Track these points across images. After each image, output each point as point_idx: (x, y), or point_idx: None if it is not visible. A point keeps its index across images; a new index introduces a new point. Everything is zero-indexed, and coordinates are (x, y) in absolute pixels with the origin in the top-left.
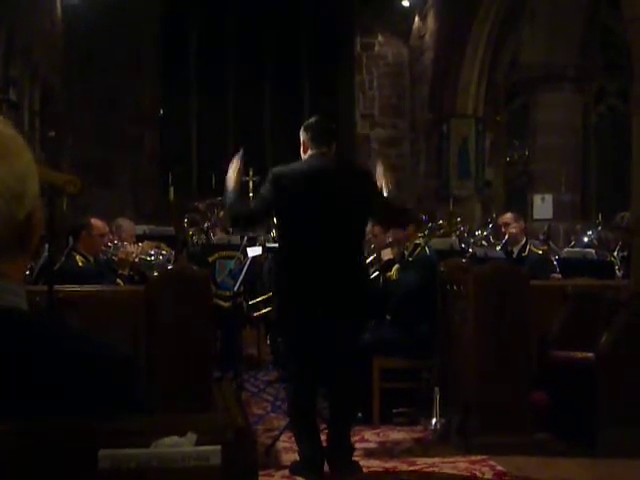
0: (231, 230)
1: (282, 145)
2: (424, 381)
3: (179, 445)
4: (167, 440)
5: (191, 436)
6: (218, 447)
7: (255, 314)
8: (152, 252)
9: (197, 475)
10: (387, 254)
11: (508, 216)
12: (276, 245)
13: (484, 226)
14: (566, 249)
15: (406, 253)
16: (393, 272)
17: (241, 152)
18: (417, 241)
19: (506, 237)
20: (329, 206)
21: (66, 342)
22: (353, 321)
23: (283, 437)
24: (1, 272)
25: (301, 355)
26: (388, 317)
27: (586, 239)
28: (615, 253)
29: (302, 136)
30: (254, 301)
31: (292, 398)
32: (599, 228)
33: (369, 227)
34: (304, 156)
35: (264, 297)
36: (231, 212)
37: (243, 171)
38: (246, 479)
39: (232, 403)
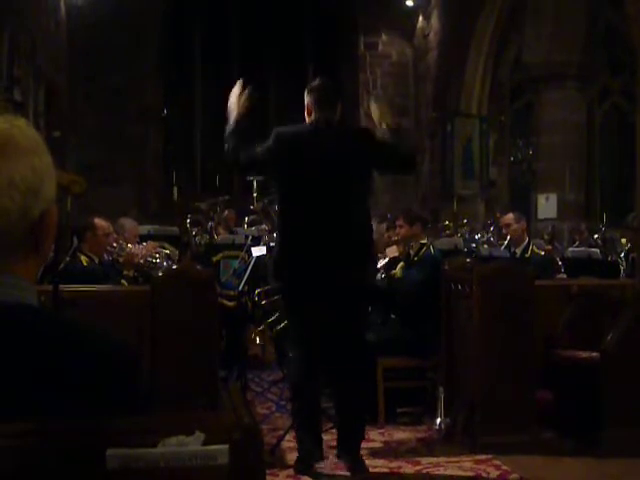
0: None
1: None
2: (429, 380)
3: (187, 444)
4: (174, 439)
5: (199, 435)
6: (226, 446)
7: (263, 302)
8: (157, 253)
9: (205, 474)
10: (392, 252)
11: (509, 217)
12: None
13: (484, 229)
14: (571, 249)
15: (412, 252)
16: (397, 270)
17: (241, 81)
18: (422, 241)
19: (508, 238)
20: (329, 170)
21: (73, 338)
22: (355, 275)
23: (288, 437)
24: (12, 270)
25: (303, 327)
26: (393, 316)
27: (592, 239)
28: (622, 253)
29: (306, 99)
30: (260, 290)
31: (295, 396)
32: (602, 228)
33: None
34: (308, 120)
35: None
36: (230, 148)
37: (247, 99)
38: (253, 478)
39: (239, 403)
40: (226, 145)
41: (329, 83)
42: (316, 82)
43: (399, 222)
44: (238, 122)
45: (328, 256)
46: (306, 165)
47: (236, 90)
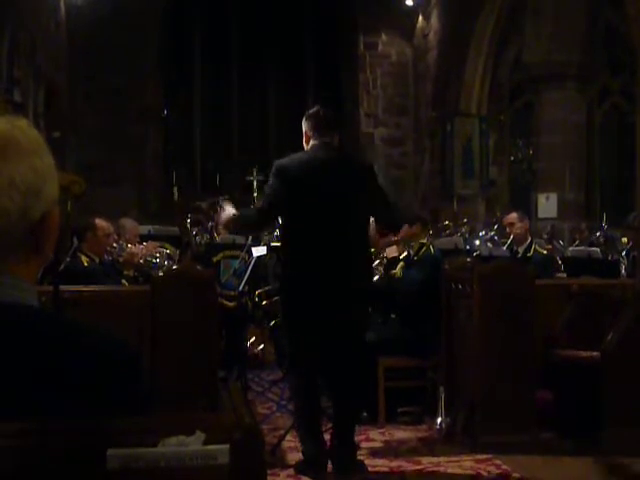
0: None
1: (286, 146)
2: (429, 380)
3: (187, 444)
4: (175, 439)
5: (199, 435)
6: (226, 446)
7: (264, 302)
8: (157, 253)
9: (205, 474)
10: (392, 252)
11: (513, 216)
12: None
13: (491, 225)
14: (571, 248)
15: (412, 252)
16: (398, 270)
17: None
18: (422, 240)
19: (511, 237)
20: (332, 196)
21: (73, 338)
22: (355, 311)
23: (288, 436)
24: (12, 271)
25: (303, 348)
26: (393, 315)
27: (594, 237)
28: (623, 253)
29: (304, 126)
30: (260, 290)
31: (295, 397)
32: (604, 226)
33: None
34: (306, 147)
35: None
36: (239, 221)
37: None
38: (254, 478)
39: (239, 402)
40: (240, 222)
41: (327, 110)
42: (314, 109)
43: None
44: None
45: (328, 287)
46: (306, 193)
47: (227, 213)
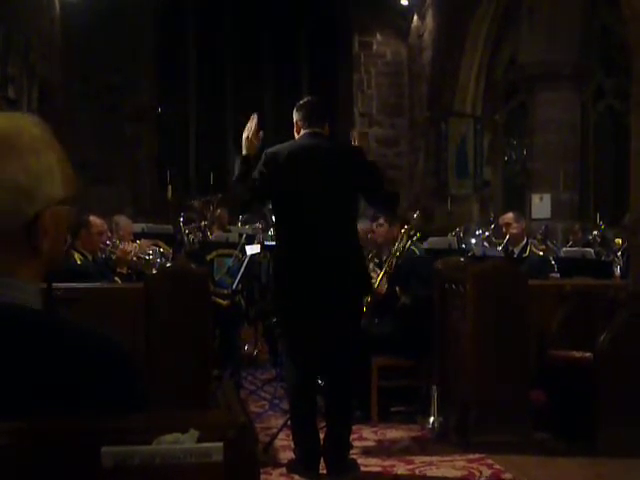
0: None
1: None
2: (422, 379)
3: (181, 442)
4: (169, 437)
5: (193, 433)
6: (220, 444)
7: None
8: (150, 251)
9: (199, 472)
10: (382, 288)
11: (509, 216)
12: (274, 243)
13: (488, 225)
14: (565, 248)
15: (389, 265)
16: (402, 298)
17: (255, 116)
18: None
19: (507, 237)
20: (321, 184)
21: (66, 338)
22: (349, 299)
23: (281, 435)
24: (8, 269)
25: (299, 345)
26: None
27: (589, 237)
28: (619, 253)
29: (295, 116)
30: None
31: (291, 395)
32: (601, 224)
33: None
34: (297, 136)
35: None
36: (234, 193)
37: (258, 135)
38: (248, 476)
39: (233, 401)
40: (234, 190)
41: (317, 100)
42: (305, 99)
43: None
44: (247, 160)
45: (320, 276)
46: (294, 179)
47: (250, 126)
